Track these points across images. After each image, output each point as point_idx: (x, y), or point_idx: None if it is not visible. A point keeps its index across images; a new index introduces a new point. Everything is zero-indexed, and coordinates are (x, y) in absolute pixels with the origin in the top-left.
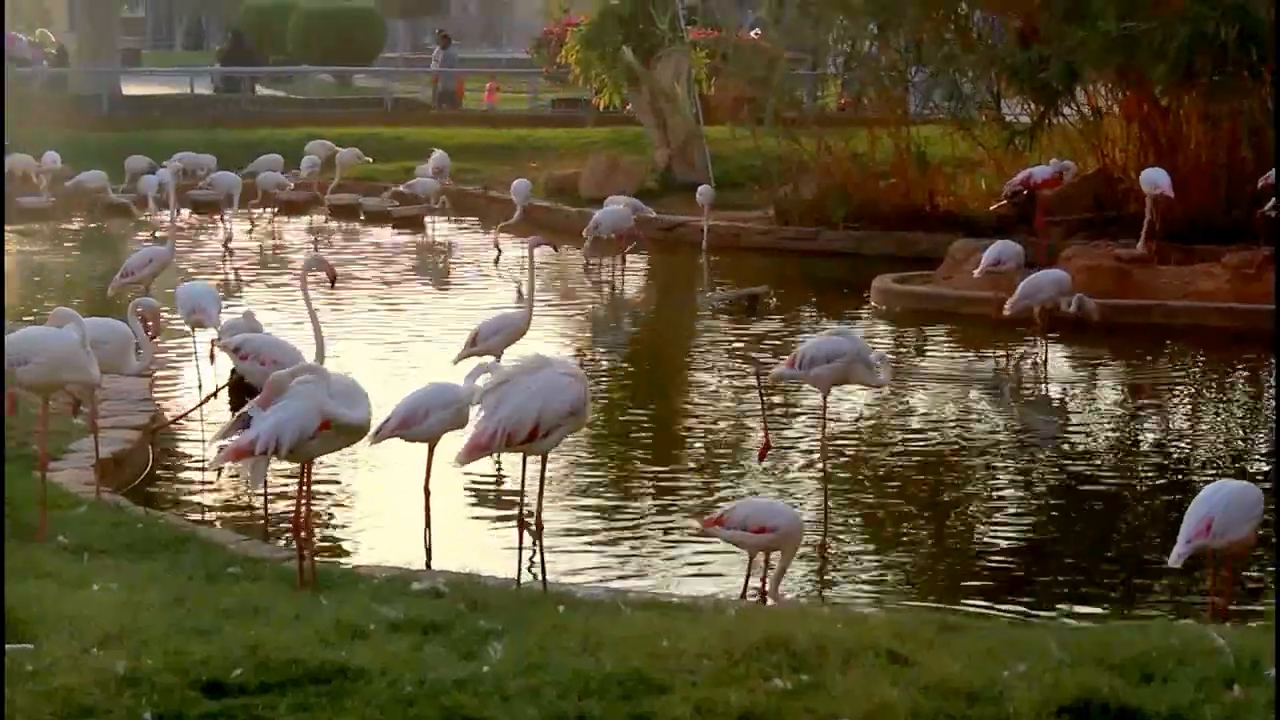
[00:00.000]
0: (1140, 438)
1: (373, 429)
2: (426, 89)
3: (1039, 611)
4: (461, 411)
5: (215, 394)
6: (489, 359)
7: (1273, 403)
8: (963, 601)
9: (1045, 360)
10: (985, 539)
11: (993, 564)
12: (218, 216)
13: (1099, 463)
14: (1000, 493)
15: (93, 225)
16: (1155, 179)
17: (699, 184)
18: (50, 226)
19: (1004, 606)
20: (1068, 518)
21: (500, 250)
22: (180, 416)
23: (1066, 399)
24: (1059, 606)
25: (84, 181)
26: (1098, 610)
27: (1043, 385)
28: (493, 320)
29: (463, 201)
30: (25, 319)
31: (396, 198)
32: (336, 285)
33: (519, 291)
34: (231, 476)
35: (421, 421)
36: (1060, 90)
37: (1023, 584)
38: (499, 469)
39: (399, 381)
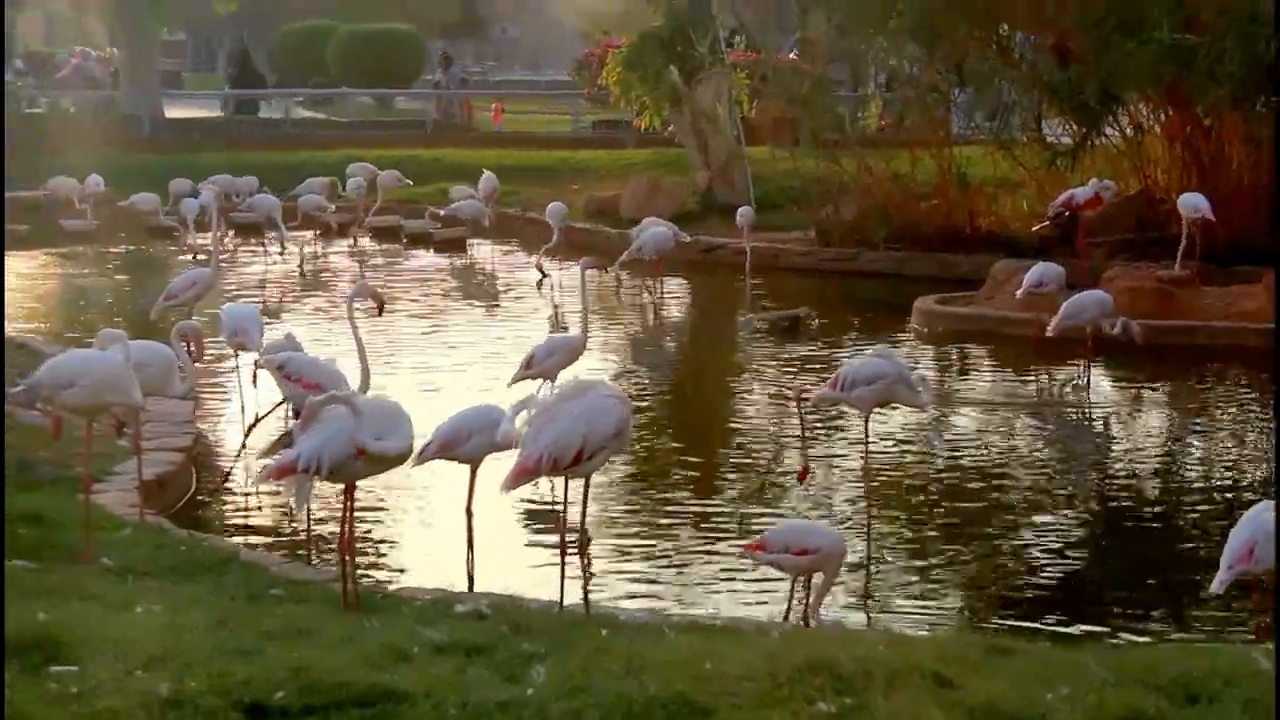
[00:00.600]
0: (1184, 459)
1: (415, 450)
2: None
3: (1084, 634)
4: (504, 434)
5: (261, 418)
6: (535, 391)
7: None
8: (1008, 624)
9: (1088, 382)
10: (1029, 561)
11: (1038, 586)
12: (262, 238)
13: (1143, 485)
14: (1044, 514)
15: (136, 248)
16: (1195, 203)
17: (740, 205)
18: (94, 249)
19: (1049, 628)
20: (1112, 540)
21: (545, 274)
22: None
23: (1110, 421)
24: (1104, 629)
25: (136, 204)
26: (1143, 633)
27: (1086, 407)
28: (548, 342)
29: (502, 224)
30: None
31: (438, 220)
32: (384, 312)
33: (557, 312)
34: (274, 498)
35: (463, 444)
36: (1100, 110)
37: (1067, 606)
38: (541, 491)
39: (444, 403)
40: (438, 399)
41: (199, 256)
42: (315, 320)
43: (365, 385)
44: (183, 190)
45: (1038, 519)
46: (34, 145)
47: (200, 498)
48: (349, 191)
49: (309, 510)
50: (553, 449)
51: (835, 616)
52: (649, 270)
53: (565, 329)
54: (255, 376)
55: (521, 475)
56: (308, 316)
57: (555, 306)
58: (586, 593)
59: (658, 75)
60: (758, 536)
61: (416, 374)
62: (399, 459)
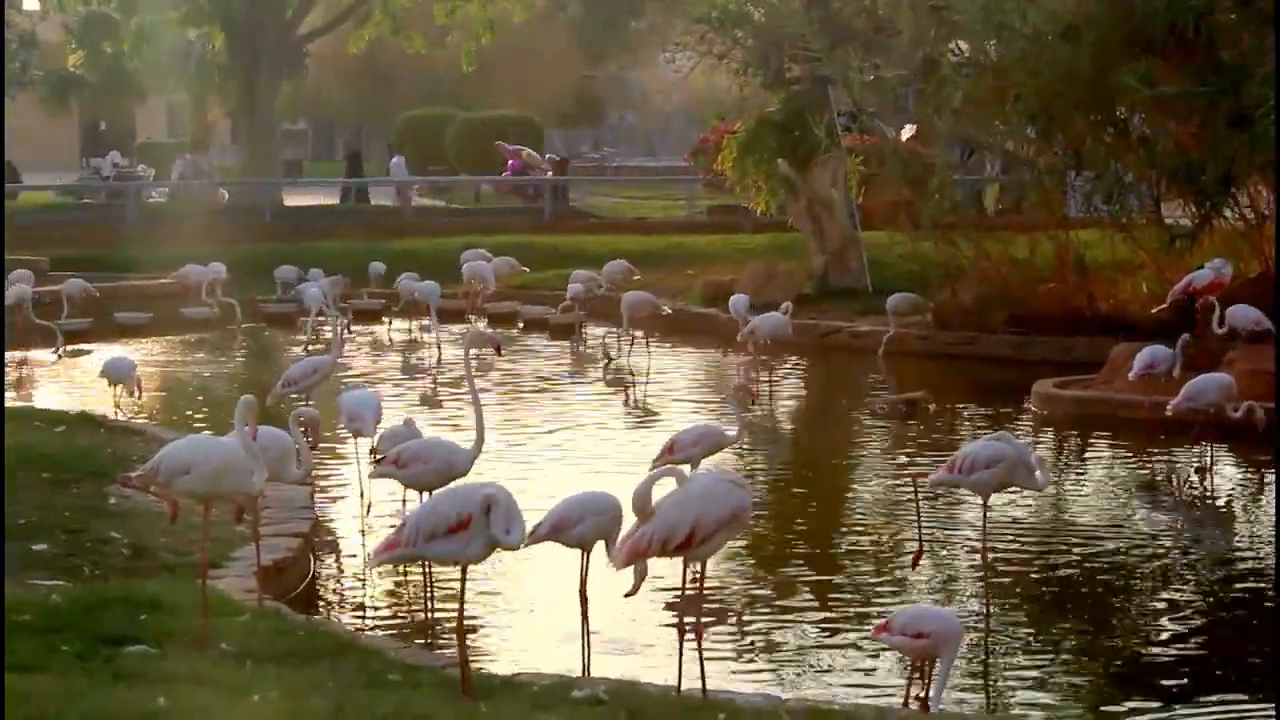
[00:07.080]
0: None
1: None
2: (587, 197)
3: None
4: (615, 519)
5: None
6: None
7: None
8: (1127, 709)
9: (1210, 465)
10: (1150, 647)
11: (1158, 672)
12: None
13: (1267, 570)
14: (1165, 599)
15: (255, 334)
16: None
17: (855, 289)
18: (213, 335)
19: (1169, 715)
20: (1235, 628)
21: (610, 358)
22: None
23: (1233, 504)
24: (1225, 715)
25: (304, 295)
26: None
27: (1208, 491)
28: (692, 430)
29: (605, 308)
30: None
31: (560, 309)
32: (502, 353)
33: (629, 396)
34: (391, 582)
35: (574, 528)
36: (1219, 193)
37: (1189, 693)
38: (659, 573)
39: (558, 482)
40: (547, 479)
41: (310, 346)
42: (436, 403)
43: (480, 446)
44: (292, 277)
45: (1159, 603)
46: (154, 235)
47: (318, 582)
48: (487, 275)
49: (430, 594)
50: (662, 530)
51: (954, 698)
52: (761, 353)
53: (640, 411)
54: (374, 461)
55: (631, 555)
56: (429, 400)
57: (628, 393)
58: (704, 677)
59: (772, 160)
60: (886, 617)
61: (528, 455)
62: (511, 549)
